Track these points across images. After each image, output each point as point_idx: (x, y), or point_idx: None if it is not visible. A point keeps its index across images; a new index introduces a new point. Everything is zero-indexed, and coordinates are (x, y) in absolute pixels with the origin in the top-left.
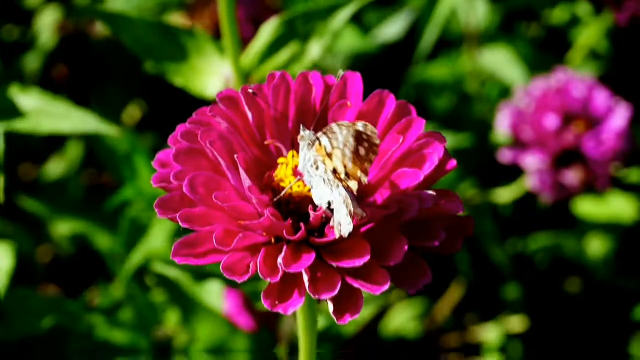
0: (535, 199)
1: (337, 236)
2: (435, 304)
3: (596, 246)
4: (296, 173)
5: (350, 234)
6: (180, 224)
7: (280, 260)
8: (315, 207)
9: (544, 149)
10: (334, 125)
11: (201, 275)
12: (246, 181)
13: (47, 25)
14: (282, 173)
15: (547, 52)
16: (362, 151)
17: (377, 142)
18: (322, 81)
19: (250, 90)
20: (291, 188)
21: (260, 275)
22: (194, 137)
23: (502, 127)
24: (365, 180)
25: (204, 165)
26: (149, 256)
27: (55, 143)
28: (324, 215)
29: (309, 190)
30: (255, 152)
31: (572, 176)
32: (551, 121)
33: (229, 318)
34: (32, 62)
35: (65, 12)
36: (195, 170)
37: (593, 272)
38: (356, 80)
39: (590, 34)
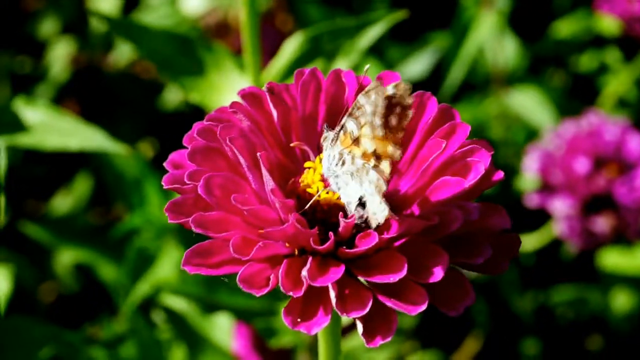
0: (558, 249)
1: (374, 226)
2: (451, 356)
3: (621, 301)
4: (325, 182)
5: (382, 244)
6: (193, 229)
7: (304, 272)
8: (345, 215)
9: (574, 193)
10: (360, 97)
11: (210, 307)
12: (269, 183)
13: (60, 57)
14: (309, 178)
15: (574, 99)
16: (393, 120)
17: (410, 101)
18: (355, 80)
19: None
20: (319, 195)
21: (281, 288)
22: (212, 134)
23: (530, 169)
24: (398, 155)
25: (222, 165)
26: (155, 287)
27: (62, 176)
28: (355, 225)
29: (339, 198)
30: (279, 155)
31: (602, 223)
32: (582, 165)
33: (237, 357)
34: (43, 94)
35: (78, 44)
36: (212, 171)
37: (616, 329)
38: (394, 80)
39: (620, 81)
